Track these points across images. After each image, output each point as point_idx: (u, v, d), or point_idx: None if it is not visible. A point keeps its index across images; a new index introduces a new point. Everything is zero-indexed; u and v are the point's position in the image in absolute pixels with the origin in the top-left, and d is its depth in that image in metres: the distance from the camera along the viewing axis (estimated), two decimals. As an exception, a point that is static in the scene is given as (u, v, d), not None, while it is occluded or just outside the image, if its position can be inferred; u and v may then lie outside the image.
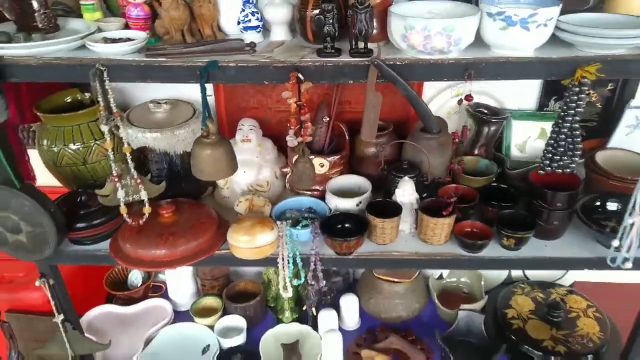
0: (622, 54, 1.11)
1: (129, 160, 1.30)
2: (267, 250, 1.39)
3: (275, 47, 1.24)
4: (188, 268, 1.99)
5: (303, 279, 1.45)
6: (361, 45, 1.15)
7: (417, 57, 1.13)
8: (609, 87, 1.66)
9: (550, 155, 1.25)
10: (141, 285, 2.02)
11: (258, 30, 1.31)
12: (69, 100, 1.58)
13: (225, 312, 1.93)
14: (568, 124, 1.19)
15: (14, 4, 1.22)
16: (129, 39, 1.20)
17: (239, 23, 1.30)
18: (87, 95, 1.59)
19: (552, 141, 1.23)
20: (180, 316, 1.98)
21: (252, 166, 1.58)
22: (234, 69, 1.14)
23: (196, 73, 1.13)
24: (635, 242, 1.26)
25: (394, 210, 1.41)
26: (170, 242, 1.38)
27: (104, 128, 1.21)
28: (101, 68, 1.13)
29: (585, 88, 1.12)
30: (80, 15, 1.34)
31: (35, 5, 1.17)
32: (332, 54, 1.16)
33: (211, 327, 1.88)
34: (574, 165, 1.25)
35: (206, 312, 1.94)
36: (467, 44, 1.11)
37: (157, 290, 2.10)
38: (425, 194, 1.49)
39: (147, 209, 1.38)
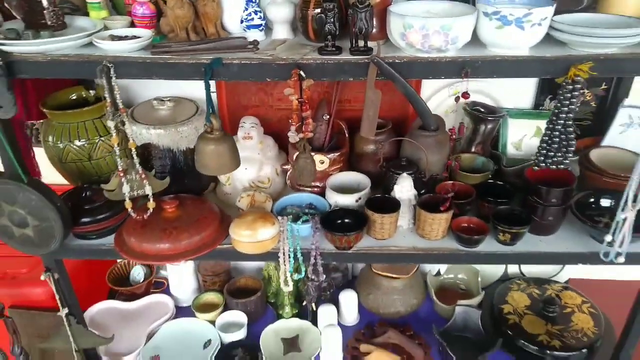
0: (614, 52, 1.14)
1: (134, 156, 1.32)
2: (269, 245, 1.41)
3: (278, 45, 1.27)
4: (189, 264, 2.01)
5: (303, 273, 1.48)
6: (361, 43, 1.18)
7: (416, 55, 1.16)
8: (603, 87, 1.69)
9: (545, 151, 1.27)
10: (143, 281, 2.05)
11: (261, 28, 1.33)
12: (74, 98, 1.61)
13: (226, 308, 1.95)
14: (562, 121, 1.21)
15: (22, 2, 1.24)
16: (135, 37, 1.23)
17: (242, 21, 1.33)
18: (92, 92, 1.62)
19: (547, 138, 1.26)
20: (181, 311, 2.00)
21: (253, 163, 1.61)
22: (237, 66, 1.17)
23: (200, 70, 1.16)
24: (628, 237, 1.29)
25: (393, 206, 1.43)
26: (174, 237, 1.41)
27: (110, 124, 1.23)
28: (108, 65, 1.15)
29: (579, 86, 1.15)
30: (86, 14, 1.36)
31: (44, 3, 1.20)
32: (333, 52, 1.18)
33: (212, 322, 1.90)
34: (567, 162, 1.27)
35: (207, 307, 1.97)
36: (464, 43, 1.14)
37: (159, 286, 2.12)
38: (423, 190, 1.51)
39: (151, 204, 1.40)
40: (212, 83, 1.19)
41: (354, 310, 1.95)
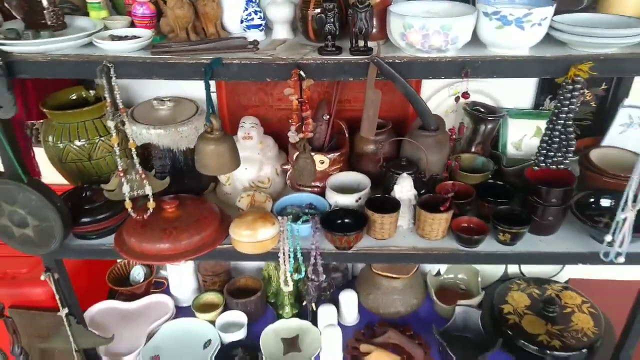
0: (614, 52, 1.14)
1: (134, 156, 1.32)
2: (269, 245, 1.41)
3: (278, 45, 1.27)
4: (189, 264, 2.01)
5: (303, 273, 1.48)
6: (361, 43, 1.18)
7: (416, 55, 1.16)
8: (603, 87, 1.69)
9: (545, 151, 1.27)
10: (143, 281, 2.05)
11: (261, 28, 1.33)
12: (74, 98, 1.61)
13: (226, 308, 1.95)
14: (562, 121, 1.21)
15: (22, 2, 1.24)
16: (135, 37, 1.23)
17: (242, 21, 1.33)
18: (92, 92, 1.62)
19: (547, 138, 1.26)
20: (181, 311, 2.00)
21: (253, 163, 1.61)
22: (237, 66, 1.17)
23: (200, 70, 1.16)
24: (628, 237, 1.29)
25: (393, 206, 1.43)
26: (174, 236, 1.41)
27: (110, 124, 1.23)
28: (108, 65, 1.15)
29: (579, 86, 1.15)
30: (86, 14, 1.36)
31: (44, 3, 1.20)
32: (333, 52, 1.18)
33: (212, 322, 1.90)
34: (567, 162, 1.27)
35: (207, 307, 1.97)
36: (464, 43, 1.14)
37: (159, 286, 2.12)
38: (423, 190, 1.52)
39: (151, 204, 1.40)
40: (212, 83, 1.19)
41: (354, 310, 1.95)
